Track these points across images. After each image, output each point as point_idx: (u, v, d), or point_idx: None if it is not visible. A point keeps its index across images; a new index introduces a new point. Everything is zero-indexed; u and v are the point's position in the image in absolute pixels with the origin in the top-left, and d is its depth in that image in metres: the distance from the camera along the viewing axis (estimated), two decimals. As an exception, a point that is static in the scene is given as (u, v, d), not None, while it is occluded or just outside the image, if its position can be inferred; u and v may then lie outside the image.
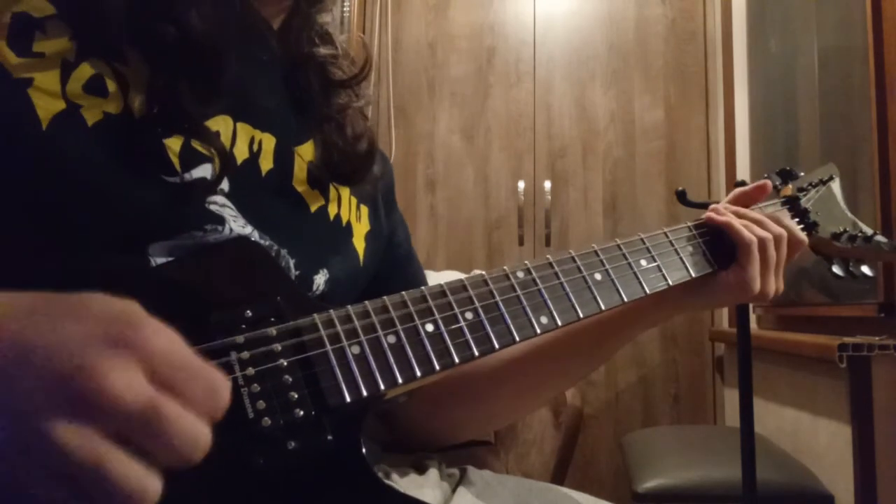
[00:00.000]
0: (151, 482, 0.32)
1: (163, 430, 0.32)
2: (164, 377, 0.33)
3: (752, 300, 0.69)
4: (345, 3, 2.53)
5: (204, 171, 0.50)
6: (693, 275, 0.65)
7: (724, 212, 0.70)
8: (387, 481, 0.61)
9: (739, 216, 0.70)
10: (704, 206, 0.74)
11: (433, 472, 0.68)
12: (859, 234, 0.77)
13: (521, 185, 2.60)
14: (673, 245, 0.65)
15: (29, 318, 0.33)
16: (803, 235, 0.73)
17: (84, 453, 0.30)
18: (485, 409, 0.72)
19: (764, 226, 0.69)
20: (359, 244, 0.63)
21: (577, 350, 0.70)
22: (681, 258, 0.65)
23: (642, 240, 0.64)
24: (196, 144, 0.50)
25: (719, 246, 0.68)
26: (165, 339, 0.34)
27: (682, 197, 1.06)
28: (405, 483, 0.65)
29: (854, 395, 1.37)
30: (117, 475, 0.31)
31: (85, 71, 0.47)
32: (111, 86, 0.47)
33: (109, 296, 0.34)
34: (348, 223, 0.63)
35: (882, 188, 1.47)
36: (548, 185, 2.60)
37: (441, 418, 0.72)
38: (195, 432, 0.33)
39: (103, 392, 0.30)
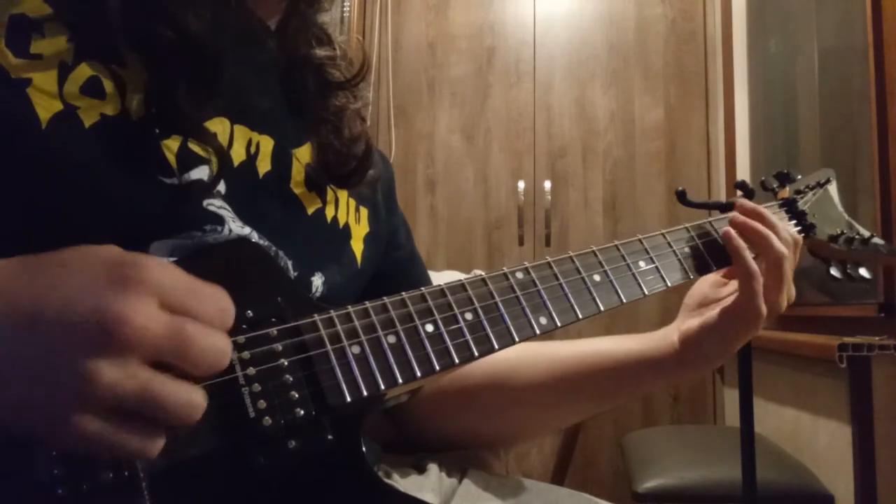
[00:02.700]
0: (197, 394, 0.35)
1: (190, 347, 0.35)
2: (176, 302, 0.35)
3: (767, 319, 0.64)
4: (345, 4, 2.53)
5: (201, 172, 0.50)
6: (691, 276, 0.65)
7: (745, 226, 0.65)
8: (387, 481, 0.61)
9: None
10: (705, 206, 0.73)
11: (433, 473, 0.68)
12: (856, 237, 0.77)
13: (521, 185, 2.60)
14: (671, 247, 0.65)
15: (27, 277, 0.34)
16: (796, 236, 0.70)
17: (132, 384, 0.33)
18: (492, 426, 0.73)
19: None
20: (357, 246, 0.63)
21: (594, 390, 0.69)
22: (679, 259, 0.65)
23: (641, 241, 0.64)
24: (193, 146, 0.50)
25: (720, 249, 0.67)
26: (165, 270, 0.36)
27: (682, 197, 1.05)
28: (405, 483, 0.66)
29: (854, 395, 1.37)
30: (167, 394, 0.34)
31: (82, 73, 0.47)
32: (108, 88, 0.47)
33: (99, 246, 0.36)
34: (346, 225, 0.63)
35: (882, 188, 1.47)
36: (548, 185, 2.60)
37: (447, 426, 0.73)
38: (218, 344, 0.36)
39: (127, 328, 0.32)
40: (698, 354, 0.66)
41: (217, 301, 0.37)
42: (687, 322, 0.67)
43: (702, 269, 0.66)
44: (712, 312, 0.65)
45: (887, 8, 1.49)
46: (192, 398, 0.35)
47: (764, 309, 0.63)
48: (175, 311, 0.35)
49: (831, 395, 1.62)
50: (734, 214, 0.68)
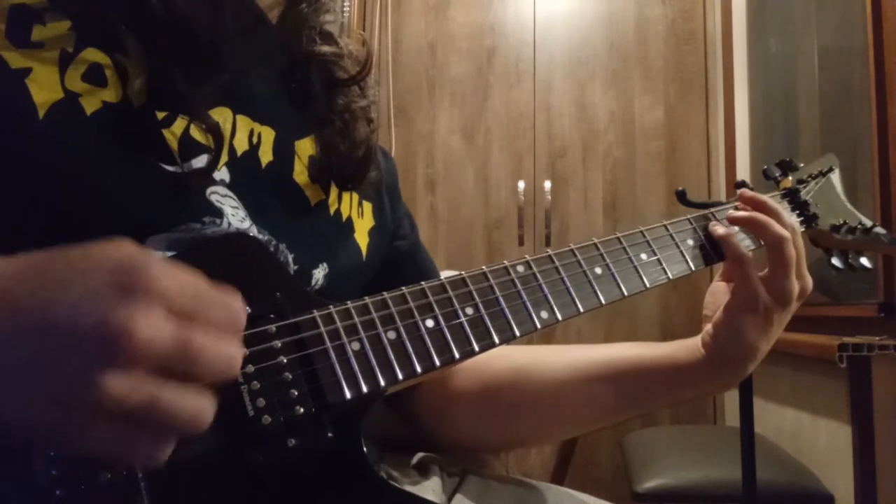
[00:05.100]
0: (205, 400, 0.35)
1: (198, 356, 0.34)
2: (183, 309, 0.34)
3: (778, 307, 0.62)
4: (345, 3, 2.53)
5: (203, 161, 0.50)
6: (693, 268, 0.64)
7: (739, 219, 0.65)
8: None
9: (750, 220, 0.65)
10: (705, 206, 0.72)
11: (434, 473, 0.68)
12: (858, 226, 0.76)
13: (521, 185, 2.60)
14: (673, 239, 0.64)
15: (33, 281, 0.34)
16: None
17: (138, 395, 0.32)
18: (511, 427, 0.71)
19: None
20: (361, 239, 0.63)
21: (619, 392, 0.67)
22: (681, 251, 0.64)
23: (642, 233, 0.63)
24: (195, 134, 0.49)
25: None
26: (173, 274, 0.35)
27: (682, 197, 1.05)
28: (406, 483, 0.65)
29: (854, 395, 1.37)
30: (173, 403, 0.33)
31: (84, 61, 0.46)
32: (110, 75, 0.47)
33: (108, 244, 0.35)
34: (349, 218, 0.62)
35: (882, 187, 1.47)
36: (548, 185, 2.60)
37: (465, 428, 0.71)
38: (227, 350, 0.36)
39: (132, 340, 0.32)
40: (721, 354, 0.64)
41: (227, 305, 0.37)
42: (706, 328, 0.66)
43: (705, 260, 0.65)
44: (721, 310, 0.64)
45: (887, 8, 1.49)
46: (199, 404, 0.35)
47: (762, 292, 0.61)
48: (183, 317, 0.34)
49: (831, 395, 1.62)
50: (737, 205, 0.67)
